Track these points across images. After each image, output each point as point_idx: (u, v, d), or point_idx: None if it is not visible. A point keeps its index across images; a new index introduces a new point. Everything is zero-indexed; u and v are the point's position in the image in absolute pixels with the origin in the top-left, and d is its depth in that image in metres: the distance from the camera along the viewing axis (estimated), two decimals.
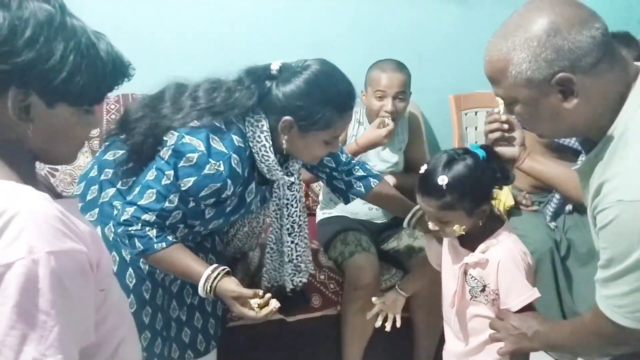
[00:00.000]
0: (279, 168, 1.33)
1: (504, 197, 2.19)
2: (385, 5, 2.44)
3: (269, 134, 1.28)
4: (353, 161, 1.62)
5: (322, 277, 1.87)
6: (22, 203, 0.71)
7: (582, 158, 1.23)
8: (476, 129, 2.58)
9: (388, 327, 1.56)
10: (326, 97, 1.24)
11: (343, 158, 1.59)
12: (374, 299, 1.57)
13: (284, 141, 1.28)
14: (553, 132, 1.06)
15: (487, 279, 1.31)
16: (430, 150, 2.44)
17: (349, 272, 1.79)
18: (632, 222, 0.86)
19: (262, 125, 1.27)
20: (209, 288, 1.21)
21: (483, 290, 1.32)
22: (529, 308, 1.27)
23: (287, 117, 1.24)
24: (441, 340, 1.52)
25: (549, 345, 1.24)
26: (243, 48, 2.31)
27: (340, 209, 2.07)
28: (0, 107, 0.72)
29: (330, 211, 2.10)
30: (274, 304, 1.21)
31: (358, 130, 2.05)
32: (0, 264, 0.67)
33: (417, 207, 1.51)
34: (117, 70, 0.81)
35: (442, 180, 1.19)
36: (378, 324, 1.57)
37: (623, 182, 0.87)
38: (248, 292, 1.21)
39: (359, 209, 2.04)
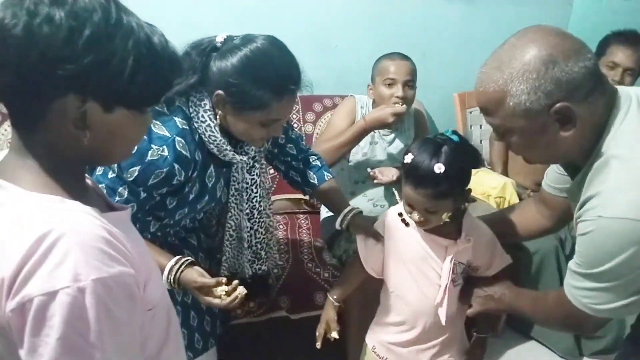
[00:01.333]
0: (229, 148, 1.26)
1: (508, 195, 2.19)
2: (389, 3, 2.45)
3: (213, 112, 1.21)
4: (310, 150, 1.61)
5: (326, 274, 1.87)
6: (67, 223, 0.66)
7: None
8: (481, 127, 2.58)
9: (333, 337, 1.50)
10: (260, 76, 1.15)
11: (302, 146, 1.57)
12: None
13: (217, 117, 1.22)
14: (546, 159, 1.10)
15: (475, 259, 1.34)
16: None
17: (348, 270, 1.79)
18: (606, 238, 0.91)
19: (205, 105, 1.21)
20: (172, 280, 1.18)
21: (463, 271, 1.35)
22: (503, 275, 1.36)
23: (219, 91, 1.17)
24: None
25: (513, 309, 1.30)
26: None
27: None
28: (55, 115, 0.67)
29: None
30: (240, 290, 1.19)
31: None
32: (43, 292, 0.62)
33: (348, 208, 1.50)
34: (174, 65, 0.75)
35: (439, 168, 1.15)
36: (318, 345, 1.50)
37: (603, 201, 0.91)
38: (210, 281, 1.18)
39: (363, 206, 2.03)
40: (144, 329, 0.77)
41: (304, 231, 2.13)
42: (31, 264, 0.63)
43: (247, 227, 1.43)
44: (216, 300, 1.18)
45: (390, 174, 1.97)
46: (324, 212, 2.14)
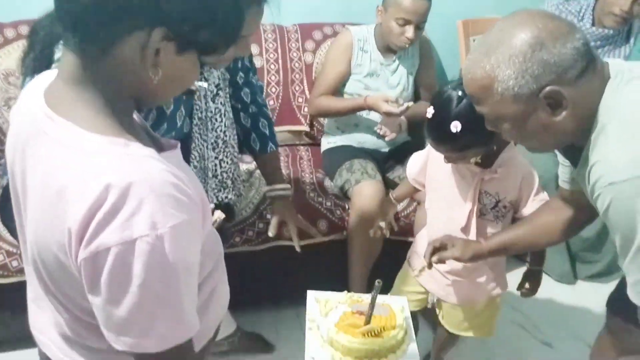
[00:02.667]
0: None
1: None
2: None
3: None
4: (264, 108, 1.56)
5: (328, 204, 1.89)
6: (135, 171, 0.64)
7: None
8: None
9: (380, 234, 1.59)
10: None
11: (259, 98, 1.52)
12: (380, 222, 1.58)
13: None
14: (543, 145, 1.05)
15: (504, 193, 1.33)
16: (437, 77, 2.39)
17: (355, 198, 1.81)
18: (626, 202, 0.86)
19: None
20: None
21: (495, 206, 1.35)
22: None
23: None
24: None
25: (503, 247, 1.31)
26: None
27: (346, 139, 2.06)
28: (129, 48, 0.65)
29: (334, 140, 2.09)
30: (217, 214, 1.19)
31: (362, 58, 1.99)
32: (122, 241, 0.61)
33: (280, 186, 1.58)
34: (242, 22, 0.73)
35: (456, 127, 1.17)
36: (372, 232, 1.59)
37: (608, 166, 0.87)
38: None
39: (365, 138, 2.04)
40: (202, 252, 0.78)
41: (305, 163, 2.14)
42: (104, 213, 0.61)
43: (212, 157, 1.40)
44: None
45: (395, 128, 1.94)
46: (325, 144, 2.13)
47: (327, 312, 1.30)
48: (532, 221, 1.28)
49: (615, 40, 2.14)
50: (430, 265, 1.31)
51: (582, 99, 0.90)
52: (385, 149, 2.06)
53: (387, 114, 1.80)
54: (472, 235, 1.36)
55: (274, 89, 2.20)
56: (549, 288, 2.27)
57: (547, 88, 0.88)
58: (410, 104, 1.84)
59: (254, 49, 2.18)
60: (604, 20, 2.06)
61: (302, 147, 2.27)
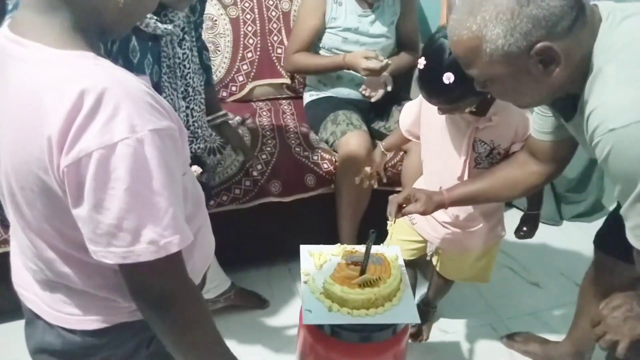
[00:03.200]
0: (149, 14, 1.14)
1: None
2: None
3: None
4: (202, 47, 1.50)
5: (315, 157, 1.86)
6: (109, 77, 0.65)
7: None
8: None
9: (373, 185, 1.59)
10: None
11: (203, 34, 1.47)
12: (366, 168, 1.56)
13: None
14: (537, 102, 1.01)
15: (499, 140, 1.31)
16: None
17: (342, 150, 1.77)
18: (628, 147, 0.82)
19: None
20: None
21: (489, 154, 1.33)
22: None
23: None
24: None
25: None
26: None
27: (329, 91, 2.00)
28: None
29: (318, 93, 2.03)
30: (195, 168, 1.17)
31: (337, 11, 1.89)
32: (102, 145, 0.62)
33: (220, 114, 1.58)
34: None
35: (448, 78, 1.12)
36: (358, 180, 1.58)
37: (607, 111, 0.83)
38: None
39: (348, 90, 1.98)
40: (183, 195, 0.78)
41: (287, 116, 2.08)
42: (81, 118, 0.62)
43: (183, 107, 1.35)
44: None
45: (379, 88, 1.87)
46: (307, 97, 2.07)
47: (321, 264, 1.29)
48: (496, 174, 1.26)
49: None
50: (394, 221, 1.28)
51: (574, 50, 0.87)
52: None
53: (368, 71, 1.73)
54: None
55: (251, 40, 2.11)
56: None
57: (539, 44, 0.84)
58: (391, 60, 1.77)
59: None
60: None
61: (284, 101, 2.20)
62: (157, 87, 1.31)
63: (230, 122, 1.76)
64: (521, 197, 1.33)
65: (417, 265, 1.67)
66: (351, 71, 1.87)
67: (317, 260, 1.30)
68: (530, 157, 1.20)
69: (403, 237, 1.55)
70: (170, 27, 1.20)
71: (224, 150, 1.77)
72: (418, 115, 1.43)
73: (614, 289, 1.16)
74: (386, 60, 1.73)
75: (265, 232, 1.86)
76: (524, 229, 1.52)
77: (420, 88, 1.22)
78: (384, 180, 1.61)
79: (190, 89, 1.35)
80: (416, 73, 1.22)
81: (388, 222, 1.27)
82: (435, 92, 1.19)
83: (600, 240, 1.48)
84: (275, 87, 2.19)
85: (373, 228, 1.21)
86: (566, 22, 0.84)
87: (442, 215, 1.41)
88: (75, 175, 0.63)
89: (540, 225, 2.33)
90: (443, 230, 1.46)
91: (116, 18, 0.71)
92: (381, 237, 1.32)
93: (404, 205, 1.27)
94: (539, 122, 1.14)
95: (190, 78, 1.34)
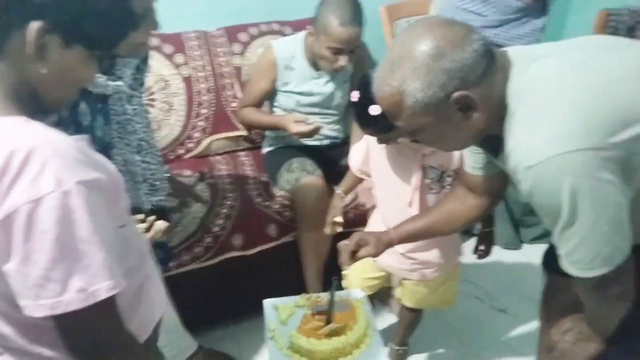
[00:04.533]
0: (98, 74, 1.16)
1: None
2: None
3: None
4: None
5: (276, 206, 1.88)
6: (37, 137, 0.69)
7: None
8: None
9: (337, 230, 1.63)
10: None
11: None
12: (337, 218, 1.60)
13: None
14: (461, 145, 1.09)
15: (447, 163, 1.37)
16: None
17: (298, 197, 1.81)
18: (547, 182, 0.88)
19: None
20: None
21: (440, 178, 1.39)
22: None
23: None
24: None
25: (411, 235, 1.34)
26: None
27: (284, 140, 2.04)
28: (18, 43, 0.70)
29: (276, 144, 2.07)
30: (160, 225, 1.18)
31: (289, 77, 1.93)
32: (29, 199, 0.65)
33: None
34: (129, 17, 0.82)
35: (375, 110, 1.20)
36: (328, 230, 1.63)
37: (522, 151, 0.90)
38: None
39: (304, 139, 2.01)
40: (123, 248, 0.80)
41: (247, 168, 2.10)
42: (10, 177, 0.65)
43: (138, 161, 1.37)
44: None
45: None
46: (266, 146, 2.11)
47: (286, 318, 1.30)
48: (437, 210, 1.31)
49: (533, 11, 2.22)
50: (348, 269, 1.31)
51: (490, 95, 0.93)
52: (324, 143, 2.05)
53: (298, 135, 1.79)
54: (415, 210, 1.39)
55: (205, 97, 2.15)
56: (498, 255, 2.36)
57: (455, 94, 0.90)
58: (321, 123, 1.83)
59: (179, 58, 2.12)
60: None
61: (242, 153, 2.22)
62: (109, 145, 1.32)
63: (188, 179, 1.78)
64: (463, 229, 1.38)
65: (376, 297, 1.70)
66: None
67: (282, 314, 1.31)
68: (467, 191, 1.26)
69: (362, 274, 1.59)
70: (120, 83, 1.23)
71: (183, 208, 1.78)
72: (366, 152, 1.49)
73: (568, 307, 1.21)
74: (317, 123, 1.79)
75: (230, 288, 1.85)
76: (481, 247, 1.58)
77: (355, 120, 1.29)
78: (341, 222, 1.64)
79: (144, 143, 1.38)
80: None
81: (343, 272, 1.29)
82: (366, 122, 1.27)
83: (548, 260, 1.53)
84: (232, 140, 2.22)
85: (339, 271, 1.23)
86: (478, 71, 0.91)
87: (402, 245, 1.44)
88: (4, 232, 0.66)
89: (502, 250, 2.43)
90: (405, 261, 1.50)
91: (47, 90, 0.75)
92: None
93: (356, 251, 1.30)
94: (471, 158, 1.20)
95: (143, 132, 1.36)
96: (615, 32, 3.49)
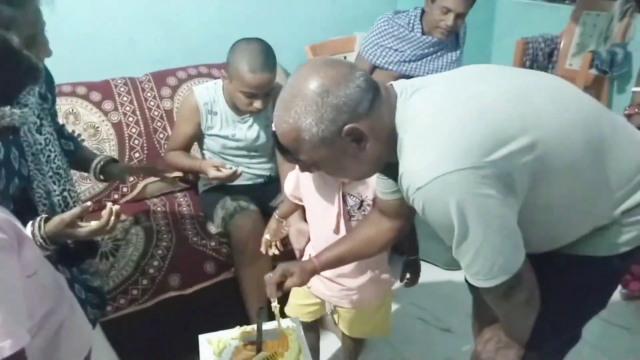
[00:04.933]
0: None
1: None
2: None
3: None
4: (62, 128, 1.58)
5: (212, 244, 1.88)
6: None
7: None
8: None
9: (270, 252, 1.66)
10: None
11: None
12: (266, 236, 1.65)
13: None
14: (362, 174, 1.16)
15: (365, 192, 1.42)
16: None
17: (233, 233, 1.82)
18: (436, 201, 0.95)
19: None
20: (42, 239, 1.15)
21: (360, 206, 1.43)
22: None
23: None
24: None
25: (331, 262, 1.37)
26: (77, 24, 2.20)
27: (220, 182, 2.06)
28: None
29: (210, 183, 2.08)
30: (112, 207, 1.22)
31: (212, 121, 1.95)
32: None
33: (97, 159, 1.57)
34: (31, 70, 0.90)
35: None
36: (263, 250, 1.65)
37: (411, 175, 0.97)
38: (76, 210, 1.20)
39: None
40: (32, 298, 0.81)
41: (184, 208, 2.11)
42: None
43: (57, 191, 1.36)
44: (97, 223, 1.22)
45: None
46: (201, 186, 2.12)
47: (220, 351, 1.29)
48: (354, 235, 1.36)
49: (446, 45, 2.37)
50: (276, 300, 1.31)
51: (379, 126, 1.01)
52: (258, 181, 2.07)
53: (217, 179, 1.83)
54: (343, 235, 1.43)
55: (137, 141, 2.15)
56: (439, 277, 2.43)
57: (346, 127, 0.97)
58: (240, 169, 1.87)
59: (108, 105, 2.14)
60: (433, 33, 2.28)
61: (179, 194, 2.22)
62: (29, 178, 1.31)
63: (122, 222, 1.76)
64: (381, 252, 1.42)
65: (320, 325, 1.71)
66: (237, 159, 1.98)
67: (217, 347, 1.30)
68: (381, 215, 1.31)
69: (300, 301, 1.60)
70: (26, 110, 1.22)
71: (117, 252, 1.76)
72: (297, 179, 1.53)
73: (496, 319, 1.26)
74: (235, 168, 1.83)
75: (171, 328, 1.81)
76: (408, 275, 1.62)
77: (276, 148, 1.33)
78: (280, 249, 1.66)
79: (61, 171, 1.37)
80: None
81: (272, 303, 1.30)
82: (281, 150, 1.29)
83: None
84: (167, 181, 2.19)
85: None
86: (364, 104, 0.98)
87: (331, 272, 1.48)
88: None
89: (444, 271, 2.49)
90: (336, 287, 1.53)
91: None
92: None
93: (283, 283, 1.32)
94: (381, 184, 1.26)
95: (58, 160, 1.36)
96: (534, 58, 3.76)
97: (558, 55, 3.76)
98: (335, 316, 1.63)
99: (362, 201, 1.44)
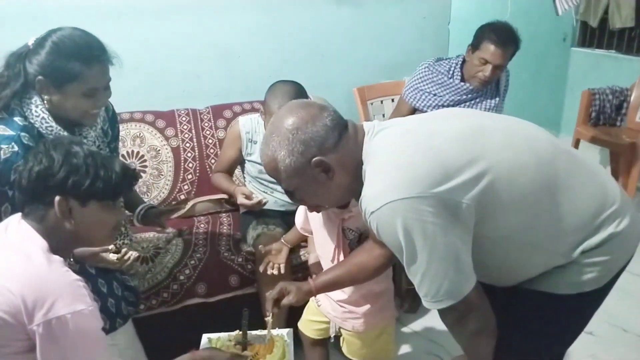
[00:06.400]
0: (66, 133, 1.42)
1: None
2: (284, 12, 2.68)
3: (43, 105, 1.39)
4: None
5: (239, 260, 2.08)
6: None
7: None
8: (383, 116, 2.83)
9: (269, 272, 1.81)
10: (68, 51, 1.35)
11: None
12: (260, 246, 1.83)
13: (46, 102, 1.38)
14: (335, 201, 1.31)
15: (364, 226, 1.52)
16: None
17: (257, 251, 2.00)
18: (386, 225, 1.08)
19: (35, 100, 1.38)
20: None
21: (359, 240, 1.56)
22: None
23: (39, 77, 1.35)
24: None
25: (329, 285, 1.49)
26: (152, 61, 2.54)
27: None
28: (52, 213, 1.09)
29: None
30: (131, 255, 1.43)
31: (252, 148, 2.16)
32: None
33: (142, 206, 1.73)
34: (127, 174, 1.18)
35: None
36: (261, 268, 1.82)
37: (368, 198, 1.10)
38: (95, 249, 1.45)
39: (274, 199, 2.24)
40: None
41: (225, 227, 2.33)
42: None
43: None
44: (112, 260, 1.48)
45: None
46: (242, 208, 2.34)
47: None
48: (349, 261, 1.47)
49: (485, 93, 2.46)
50: (273, 315, 1.45)
51: (346, 158, 1.16)
52: (293, 207, 2.25)
53: (243, 206, 2.04)
54: None
55: (190, 164, 2.44)
56: None
57: (314, 159, 1.14)
58: (264, 199, 2.04)
59: (170, 131, 2.45)
60: (471, 81, 2.38)
61: (224, 214, 2.46)
62: None
63: (167, 233, 2.02)
64: (375, 277, 1.50)
65: (331, 345, 1.82)
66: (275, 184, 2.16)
67: (214, 344, 1.47)
68: (374, 243, 1.42)
69: (311, 317, 1.74)
70: (84, 141, 1.43)
71: (156, 258, 2.01)
72: (306, 213, 1.68)
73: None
74: (260, 198, 2.02)
75: (195, 332, 2.00)
76: (405, 304, 1.69)
77: None
78: (282, 271, 1.81)
79: None
80: None
81: (266, 318, 1.44)
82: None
83: None
84: (214, 202, 2.47)
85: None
86: (331, 140, 1.14)
87: (338, 294, 1.60)
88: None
89: None
90: (340, 309, 1.64)
91: (74, 238, 1.15)
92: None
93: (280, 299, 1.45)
94: None
95: None
96: (601, 109, 3.67)
97: (628, 108, 3.64)
98: (341, 338, 1.74)
99: (361, 235, 1.56)
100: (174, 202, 2.33)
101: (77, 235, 1.12)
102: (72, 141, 1.14)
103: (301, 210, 1.73)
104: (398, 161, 1.10)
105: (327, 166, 1.15)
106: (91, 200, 1.10)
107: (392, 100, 2.82)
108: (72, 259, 1.40)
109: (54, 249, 1.09)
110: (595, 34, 4.17)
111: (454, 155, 1.09)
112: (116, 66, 1.43)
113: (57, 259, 1.07)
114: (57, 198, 1.07)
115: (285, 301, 1.44)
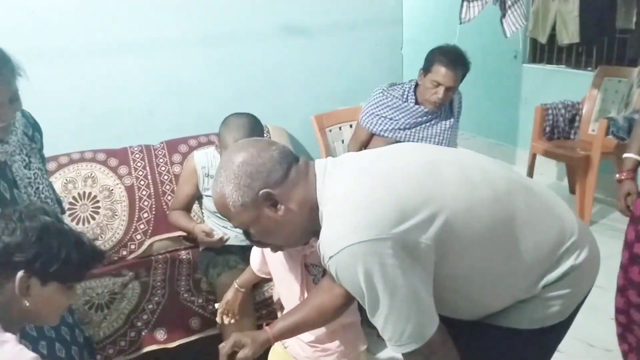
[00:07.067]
0: None
1: None
2: (234, 45, 2.66)
3: None
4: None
5: (200, 300, 2.01)
6: None
7: None
8: (342, 142, 2.83)
9: (226, 321, 1.73)
10: None
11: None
12: (216, 305, 1.74)
13: None
14: (287, 241, 1.24)
15: None
16: None
17: (218, 291, 1.94)
18: (346, 269, 1.04)
19: None
20: None
21: (324, 274, 1.51)
22: None
23: None
24: None
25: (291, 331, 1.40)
26: (101, 99, 2.48)
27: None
28: (9, 287, 1.04)
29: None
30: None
31: (208, 183, 2.11)
32: None
33: None
34: (96, 258, 1.15)
35: None
36: (218, 319, 1.74)
37: (325, 243, 1.07)
38: None
39: (228, 234, 2.17)
40: None
41: (184, 266, 2.26)
42: None
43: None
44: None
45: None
46: (201, 245, 2.28)
47: None
48: (307, 304, 1.40)
49: (440, 114, 2.48)
50: None
51: (295, 193, 1.13)
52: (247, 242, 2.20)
53: (204, 244, 2.01)
54: None
55: (146, 202, 2.37)
56: None
57: (261, 192, 1.10)
58: (226, 235, 2.00)
59: (123, 170, 2.38)
60: (424, 104, 2.41)
61: (184, 252, 2.40)
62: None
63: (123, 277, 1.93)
64: (335, 319, 1.43)
65: None
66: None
67: None
68: (332, 281, 1.34)
69: None
70: (6, 146, 1.41)
71: (112, 305, 1.92)
72: (262, 253, 1.64)
73: None
74: (222, 234, 1.99)
75: None
76: (375, 330, 1.65)
77: None
78: (237, 318, 1.74)
79: (48, 201, 1.55)
80: None
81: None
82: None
83: None
84: (173, 240, 2.40)
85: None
86: (278, 173, 1.11)
87: (307, 335, 1.54)
88: None
89: None
90: (310, 349, 1.59)
91: (35, 317, 1.10)
92: None
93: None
94: None
95: (46, 191, 1.55)
96: (554, 123, 3.77)
97: (580, 121, 3.75)
98: None
99: (324, 270, 1.52)
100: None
101: (29, 312, 1.07)
102: (47, 212, 1.10)
103: (257, 252, 1.68)
104: (355, 204, 1.07)
105: (274, 199, 1.11)
106: (54, 281, 1.08)
107: (350, 126, 2.82)
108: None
109: (5, 325, 1.03)
110: (545, 50, 4.30)
111: (410, 195, 1.06)
112: (24, 78, 1.35)
113: (10, 337, 1.01)
114: (19, 274, 1.03)
115: (241, 355, 1.33)
